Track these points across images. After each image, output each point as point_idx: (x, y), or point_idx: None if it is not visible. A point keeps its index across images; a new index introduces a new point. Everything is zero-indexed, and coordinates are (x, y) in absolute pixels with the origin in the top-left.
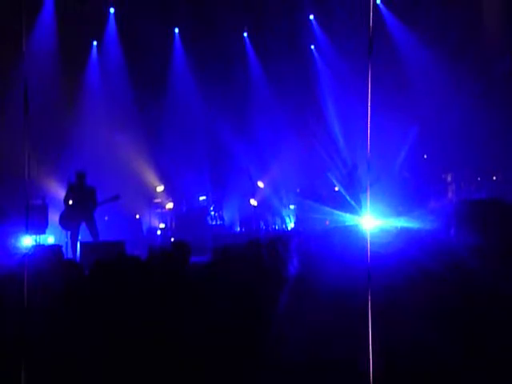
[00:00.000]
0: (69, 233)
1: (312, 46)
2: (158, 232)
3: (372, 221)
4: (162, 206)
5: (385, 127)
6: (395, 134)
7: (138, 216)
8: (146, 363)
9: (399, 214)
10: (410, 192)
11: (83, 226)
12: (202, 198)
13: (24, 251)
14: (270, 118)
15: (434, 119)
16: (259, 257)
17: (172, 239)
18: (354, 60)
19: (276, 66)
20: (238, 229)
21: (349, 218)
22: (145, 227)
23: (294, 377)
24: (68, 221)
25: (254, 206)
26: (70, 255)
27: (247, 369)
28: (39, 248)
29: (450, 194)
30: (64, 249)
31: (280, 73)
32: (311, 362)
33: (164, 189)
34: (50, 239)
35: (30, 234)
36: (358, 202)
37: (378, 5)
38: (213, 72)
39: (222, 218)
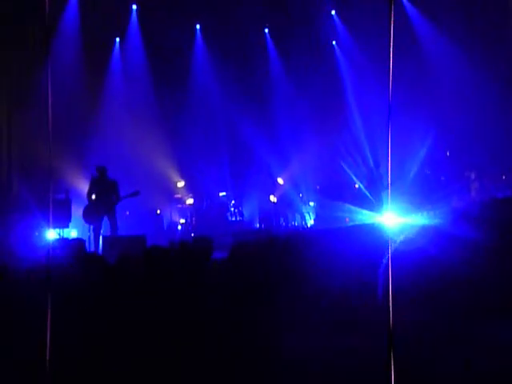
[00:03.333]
0: (91, 227)
1: (334, 42)
2: (179, 227)
3: (393, 218)
4: (182, 201)
5: (407, 124)
6: (418, 131)
7: (158, 211)
8: (166, 351)
9: (421, 211)
10: (433, 190)
11: (105, 219)
12: (222, 194)
13: (48, 245)
14: (291, 114)
15: (457, 116)
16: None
17: (192, 234)
18: (375, 56)
19: (297, 62)
20: (258, 225)
21: (369, 216)
22: (165, 222)
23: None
24: (91, 215)
25: (274, 203)
26: (92, 249)
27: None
28: (62, 242)
29: (473, 193)
30: (86, 243)
31: (301, 69)
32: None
33: (184, 184)
34: (72, 233)
35: (54, 227)
36: (380, 199)
37: (402, 1)
38: (234, 68)
39: (241, 214)
